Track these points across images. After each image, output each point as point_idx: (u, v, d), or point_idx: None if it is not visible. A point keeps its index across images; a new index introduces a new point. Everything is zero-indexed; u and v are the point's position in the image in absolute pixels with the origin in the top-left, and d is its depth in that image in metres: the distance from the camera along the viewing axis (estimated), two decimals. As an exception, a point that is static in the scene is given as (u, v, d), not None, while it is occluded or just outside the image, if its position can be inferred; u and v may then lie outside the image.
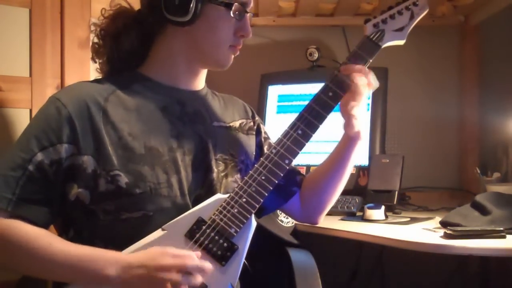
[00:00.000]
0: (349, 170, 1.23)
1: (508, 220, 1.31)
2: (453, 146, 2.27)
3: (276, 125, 2.04)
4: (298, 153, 1.09)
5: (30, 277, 1.04)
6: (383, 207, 1.58)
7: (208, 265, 0.97)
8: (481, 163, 2.09)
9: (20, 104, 1.44)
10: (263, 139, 1.30)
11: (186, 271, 0.95)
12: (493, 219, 1.33)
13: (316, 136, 1.11)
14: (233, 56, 1.15)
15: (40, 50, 1.47)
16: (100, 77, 1.17)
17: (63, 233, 1.08)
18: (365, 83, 1.11)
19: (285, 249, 1.35)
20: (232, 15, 1.09)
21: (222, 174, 1.14)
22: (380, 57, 1.17)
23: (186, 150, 1.10)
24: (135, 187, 1.01)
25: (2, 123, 1.41)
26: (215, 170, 1.12)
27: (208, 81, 1.23)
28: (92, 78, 1.21)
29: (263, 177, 1.05)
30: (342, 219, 1.63)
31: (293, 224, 1.49)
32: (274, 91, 2.11)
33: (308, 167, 1.90)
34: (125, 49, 1.14)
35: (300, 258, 1.32)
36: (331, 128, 1.21)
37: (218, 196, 1.05)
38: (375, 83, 1.14)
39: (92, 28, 1.16)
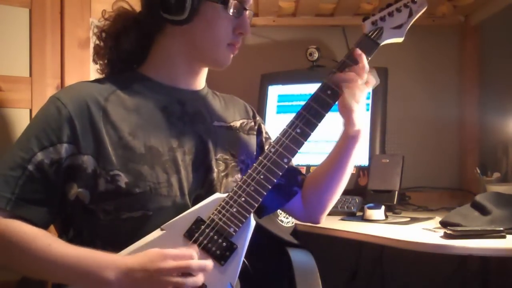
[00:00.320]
0: (349, 169, 1.23)
1: (508, 220, 1.31)
2: (453, 146, 2.26)
3: (276, 125, 2.03)
4: (297, 151, 1.08)
5: (30, 278, 1.04)
6: (383, 207, 1.58)
7: (209, 263, 0.97)
8: (481, 163, 2.08)
9: (20, 104, 1.44)
10: (264, 139, 1.30)
11: (188, 272, 0.94)
12: (493, 219, 1.33)
13: (316, 136, 1.11)
14: (232, 56, 1.15)
15: (40, 50, 1.47)
16: (100, 77, 1.17)
17: (63, 233, 1.08)
18: (354, 93, 1.10)
19: (285, 249, 1.35)
20: (229, 12, 1.09)
21: (223, 174, 1.14)
22: (380, 57, 1.17)
23: (186, 150, 1.10)
24: (135, 186, 1.01)
25: (2, 123, 1.42)
26: (216, 170, 1.12)
27: (208, 81, 1.23)
28: (92, 78, 1.21)
29: (262, 176, 1.05)
30: (342, 219, 1.63)
31: (293, 224, 1.49)
32: (274, 91, 2.11)
33: (308, 167, 1.89)
34: (125, 49, 1.14)
35: (300, 258, 1.32)
36: (331, 127, 1.21)
37: (217, 195, 1.05)
38: (375, 80, 1.14)
39: (95, 30, 1.16)
